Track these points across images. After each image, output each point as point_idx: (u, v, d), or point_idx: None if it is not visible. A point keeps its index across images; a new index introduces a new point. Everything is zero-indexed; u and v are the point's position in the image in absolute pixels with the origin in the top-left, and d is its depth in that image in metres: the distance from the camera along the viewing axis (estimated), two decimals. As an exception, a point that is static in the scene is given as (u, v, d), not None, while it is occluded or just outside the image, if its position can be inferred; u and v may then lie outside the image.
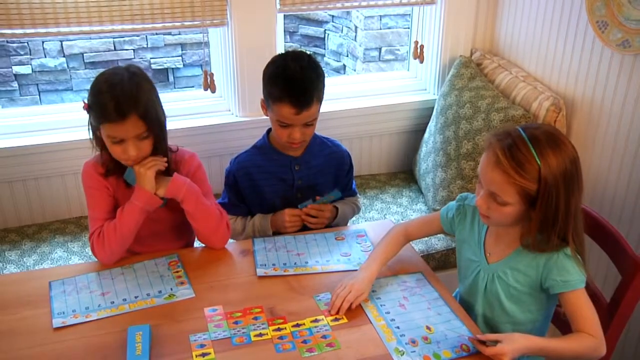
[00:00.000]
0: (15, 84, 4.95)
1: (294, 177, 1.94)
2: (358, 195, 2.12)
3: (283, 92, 1.77)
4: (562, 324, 1.64)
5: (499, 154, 1.37)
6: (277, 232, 1.92)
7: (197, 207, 1.73)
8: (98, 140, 1.69)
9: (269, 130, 1.97)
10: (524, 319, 1.53)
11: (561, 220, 1.39)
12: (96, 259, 1.73)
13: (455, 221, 1.65)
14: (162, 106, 1.70)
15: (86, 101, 1.64)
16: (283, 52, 1.90)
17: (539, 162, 1.35)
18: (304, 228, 1.91)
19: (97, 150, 1.72)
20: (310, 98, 1.78)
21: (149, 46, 5.11)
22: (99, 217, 1.72)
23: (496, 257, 1.54)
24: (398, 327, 1.48)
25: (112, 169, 1.71)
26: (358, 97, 2.80)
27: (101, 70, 1.68)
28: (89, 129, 1.70)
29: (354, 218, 2.19)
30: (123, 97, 1.57)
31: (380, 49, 4.79)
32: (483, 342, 1.38)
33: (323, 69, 1.88)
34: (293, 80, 1.77)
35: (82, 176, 1.75)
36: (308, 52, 1.91)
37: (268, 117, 1.89)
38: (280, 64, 1.82)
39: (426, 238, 2.33)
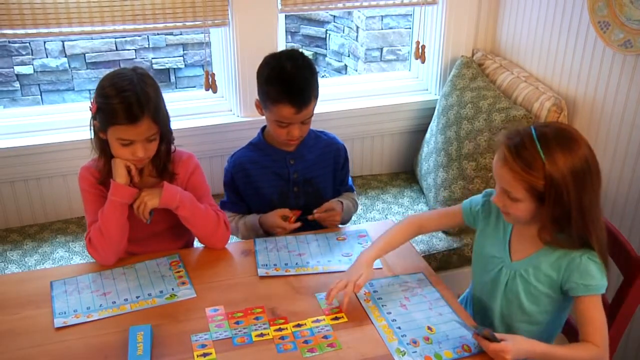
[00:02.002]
0: (17, 84, 4.95)
1: (289, 171, 1.95)
2: (355, 191, 2.12)
3: (281, 93, 1.78)
4: (570, 330, 1.65)
5: (506, 152, 1.41)
6: (267, 232, 1.92)
7: (193, 213, 1.73)
8: (99, 143, 1.69)
9: (264, 127, 1.98)
10: (541, 319, 1.54)
11: (576, 217, 1.39)
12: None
13: (480, 216, 1.66)
14: (166, 107, 1.71)
15: (93, 103, 1.63)
16: (275, 52, 1.90)
17: (543, 158, 1.36)
18: (305, 228, 1.91)
19: (96, 153, 1.72)
20: (308, 96, 1.81)
21: (150, 46, 5.11)
22: (94, 220, 1.72)
23: (520, 255, 1.54)
24: (399, 328, 1.48)
25: (107, 175, 1.70)
26: (359, 97, 2.80)
27: (103, 70, 1.69)
28: (90, 130, 1.70)
29: (354, 217, 2.19)
30: (136, 100, 1.57)
31: (381, 49, 4.79)
32: (487, 339, 1.38)
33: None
34: (290, 80, 1.79)
35: (78, 180, 1.76)
36: (300, 50, 1.93)
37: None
38: (275, 65, 1.83)
39: (427, 238, 2.34)
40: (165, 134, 1.70)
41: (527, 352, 1.38)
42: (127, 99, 1.57)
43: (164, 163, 1.74)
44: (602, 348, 1.42)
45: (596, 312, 1.44)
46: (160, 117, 1.65)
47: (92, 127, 1.69)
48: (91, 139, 1.71)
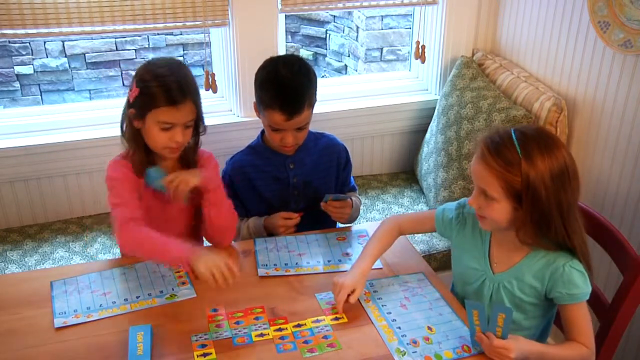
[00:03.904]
0: (17, 84, 4.95)
1: (288, 175, 1.95)
2: (357, 191, 2.12)
3: (273, 99, 1.77)
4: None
5: (484, 149, 1.41)
6: (271, 234, 1.92)
7: (222, 200, 1.75)
8: (132, 133, 1.67)
9: (264, 131, 1.98)
10: (529, 325, 1.54)
11: (556, 220, 1.39)
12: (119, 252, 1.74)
13: (454, 227, 1.64)
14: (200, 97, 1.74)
15: (134, 88, 1.62)
16: (274, 56, 1.89)
17: (520, 153, 1.36)
18: (305, 228, 1.91)
19: (126, 146, 1.71)
20: (300, 104, 1.77)
21: (150, 46, 5.12)
22: (127, 203, 1.65)
23: (502, 267, 1.53)
24: (399, 328, 1.48)
25: (139, 166, 1.68)
26: (359, 97, 2.80)
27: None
28: (122, 122, 1.69)
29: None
30: (183, 81, 1.62)
31: (381, 49, 4.79)
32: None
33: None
34: (283, 86, 1.77)
35: (107, 171, 1.71)
36: (300, 56, 1.91)
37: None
38: (271, 69, 1.82)
39: (427, 238, 2.34)
40: (198, 124, 1.73)
41: (527, 352, 1.39)
42: (173, 81, 1.60)
43: (190, 157, 1.74)
44: (591, 349, 1.45)
45: (582, 318, 1.45)
46: (200, 103, 1.69)
47: (124, 118, 1.69)
48: (122, 133, 1.71)
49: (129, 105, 1.66)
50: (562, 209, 1.38)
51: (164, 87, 1.60)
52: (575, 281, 1.43)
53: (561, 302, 1.46)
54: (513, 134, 1.40)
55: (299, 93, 1.78)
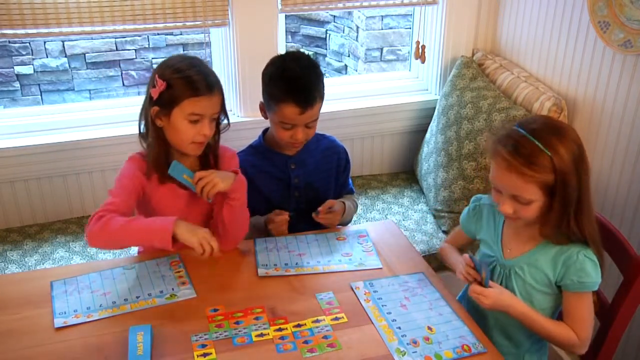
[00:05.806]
0: (17, 84, 4.95)
1: (290, 176, 1.94)
2: (355, 193, 2.12)
3: (286, 93, 1.76)
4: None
5: (508, 158, 1.39)
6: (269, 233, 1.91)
7: (242, 210, 1.74)
8: (155, 131, 1.66)
9: (264, 131, 1.97)
10: None
11: (576, 203, 1.40)
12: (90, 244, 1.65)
13: (472, 220, 1.68)
14: None
15: (159, 83, 1.61)
16: (281, 53, 1.89)
17: (547, 152, 1.37)
18: (305, 228, 1.91)
19: (147, 147, 1.70)
20: (313, 97, 1.78)
21: (150, 46, 5.12)
22: (116, 201, 1.64)
23: (514, 253, 1.54)
24: (399, 328, 1.48)
25: (155, 165, 1.68)
26: (359, 97, 2.80)
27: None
28: (145, 119, 1.68)
29: (354, 217, 2.19)
30: (210, 72, 1.66)
31: (381, 49, 4.79)
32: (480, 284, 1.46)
33: (323, 69, 1.88)
34: (295, 80, 1.77)
35: (125, 163, 1.72)
36: (306, 53, 1.91)
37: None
38: (280, 65, 1.82)
39: (427, 238, 2.35)
40: (218, 120, 1.73)
41: (507, 306, 1.43)
42: (201, 72, 1.63)
43: (209, 153, 1.74)
44: (583, 343, 1.46)
45: (585, 309, 1.46)
46: (224, 96, 1.70)
47: (143, 118, 1.68)
48: (140, 133, 1.70)
49: (151, 103, 1.64)
50: (582, 191, 1.41)
51: (194, 78, 1.61)
52: (588, 270, 1.44)
53: (570, 289, 1.46)
54: (526, 133, 1.39)
55: (311, 86, 1.79)
